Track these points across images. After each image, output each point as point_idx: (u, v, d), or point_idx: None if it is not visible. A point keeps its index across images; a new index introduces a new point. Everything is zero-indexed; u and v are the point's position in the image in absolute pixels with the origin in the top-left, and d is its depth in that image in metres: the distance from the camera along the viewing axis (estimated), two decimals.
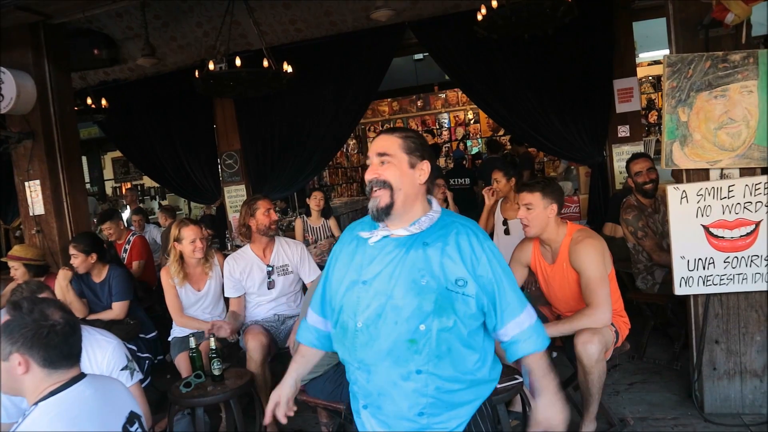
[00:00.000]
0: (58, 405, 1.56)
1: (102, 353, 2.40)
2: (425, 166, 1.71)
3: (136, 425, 1.75)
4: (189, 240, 3.53)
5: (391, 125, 11.35)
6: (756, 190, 2.86)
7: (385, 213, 1.68)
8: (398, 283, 1.64)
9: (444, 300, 1.62)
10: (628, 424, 3.11)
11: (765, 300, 3.01)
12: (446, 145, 10.88)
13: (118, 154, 10.70)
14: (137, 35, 5.63)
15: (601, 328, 2.72)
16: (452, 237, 1.68)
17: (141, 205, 10.43)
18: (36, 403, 1.56)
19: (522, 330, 1.71)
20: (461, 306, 1.64)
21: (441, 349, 1.63)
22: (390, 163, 1.69)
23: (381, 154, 1.71)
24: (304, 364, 2.01)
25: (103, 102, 6.02)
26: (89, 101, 5.94)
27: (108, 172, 12.18)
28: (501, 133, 10.12)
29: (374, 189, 1.69)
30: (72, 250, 3.77)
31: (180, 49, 6.00)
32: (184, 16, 5.56)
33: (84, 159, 10.62)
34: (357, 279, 1.71)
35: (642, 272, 4.00)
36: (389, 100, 10.88)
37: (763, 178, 2.86)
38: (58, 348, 1.59)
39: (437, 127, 11.11)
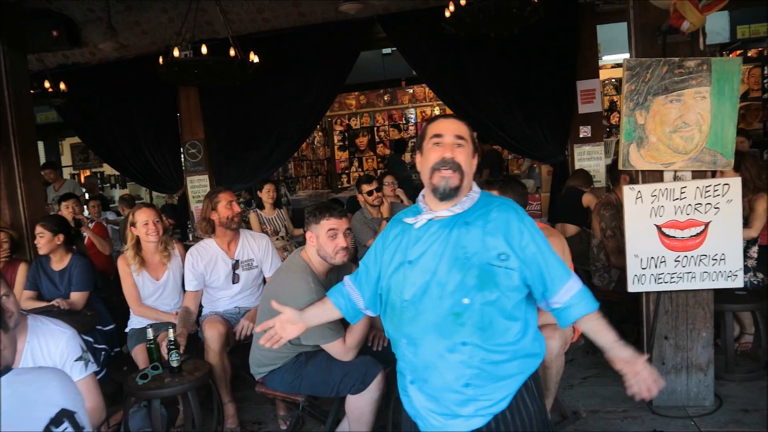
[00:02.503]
0: None
1: (55, 343, 2.34)
2: (477, 156, 1.84)
3: (65, 425, 1.67)
4: (142, 222, 3.48)
5: (358, 119, 11.34)
6: (706, 192, 2.97)
7: (454, 193, 1.75)
8: (442, 261, 1.73)
9: (486, 274, 1.70)
10: (581, 416, 3.20)
11: (711, 298, 3.14)
12: (412, 140, 10.92)
13: (77, 140, 10.36)
14: (99, 18, 5.48)
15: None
16: (493, 214, 1.76)
17: (101, 192, 10.18)
18: None
19: (573, 294, 1.78)
20: (504, 279, 1.71)
21: (484, 321, 1.71)
22: (463, 148, 1.77)
23: (459, 137, 1.77)
24: (319, 314, 2.15)
25: (62, 86, 5.84)
26: (47, 85, 5.75)
27: (66, 159, 11.80)
28: None
29: (443, 169, 1.74)
30: (39, 229, 3.68)
31: (144, 35, 5.87)
32: (149, 1, 5.43)
33: (41, 144, 10.28)
34: (403, 260, 1.80)
35: (599, 270, 4.11)
36: (356, 93, 10.84)
37: (713, 181, 2.97)
38: None
39: (404, 122, 11.14)
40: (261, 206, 5.51)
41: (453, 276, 1.71)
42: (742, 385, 3.40)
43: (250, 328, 3.27)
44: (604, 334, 1.79)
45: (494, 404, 1.75)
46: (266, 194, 5.48)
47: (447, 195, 1.75)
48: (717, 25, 7.70)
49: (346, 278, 2.10)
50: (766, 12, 7.52)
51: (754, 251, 3.65)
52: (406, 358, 1.83)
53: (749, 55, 8.32)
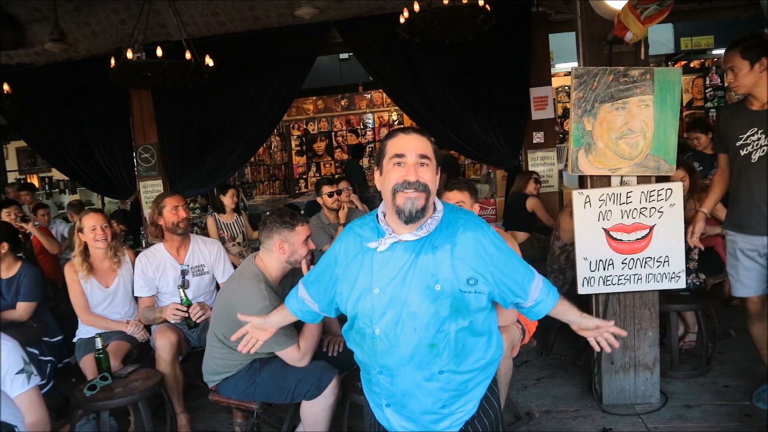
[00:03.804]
0: None
1: None
2: (440, 171, 1.77)
3: None
4: (89, 228, 3.39)
5: (316, 124, 11.31)
6: (650, 196, 3.08)
7: (420, 214, 1.66)
8: (412, 290, 1.68)
9: (459, 302, 1.69)
10: (534, 417, 3.27)
11: (656, 299, 3.25)
12: (370, 145, 10.96)
13: (23, 143, 9.98)
14: (46, 18, 5.30)
15: (508, 327, 2.84)
16: (459, 236, 1.71)
17: (47, 200, 9.82)
18: None
19: (540, 289, 1.84)
20: (475, 303, 1.72)
21: (458, 347, 1.73)
22: (427, 167, 1.68)
23: (423, 156, 1.67)
24: (281, 320, 2.19)
25: (6, 87, 5.61)
26: None
27: (12, 163, 11.32)
28: None
29: (408, 190, 1.64)
30: None
31: (94, 36, 5.71)
32: (99, 1, 5.29)
33: None
34: (369, 286, 1.72)
35: (555, 271, 4.20)
36: (314, 98, 10.83)
37: (656, 186, 3.08)
38: None
39: (361, 127, 11.17)
40: (222, 210, 5.43)
41: (425, 307, 1.67)
42: (686, 382, 3.54)
43: (206, 315, 3.21)
44: (571, 313, 1.92)
45: (466, 414, 1.81)
46: (230, 199, 5.40)
47: (413, 218, 1.65)
48: (662, 37, 8.02)
49: (300, 283, 2.07)
50: (707, 25, 7.88)
51: (695, 253, 3.79)
52: (381, 384, 1.81)
53: (692, 65, 8.68)
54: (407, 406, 1.78)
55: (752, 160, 2.88)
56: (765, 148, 2.83)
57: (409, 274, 1.68)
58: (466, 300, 1.69)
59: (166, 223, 3.45)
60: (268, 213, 3.00)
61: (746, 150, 2.90)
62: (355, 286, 1.76)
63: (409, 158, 1.66)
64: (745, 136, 2.89)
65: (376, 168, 1.79)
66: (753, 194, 2.90)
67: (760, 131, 2.84)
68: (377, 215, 1.80)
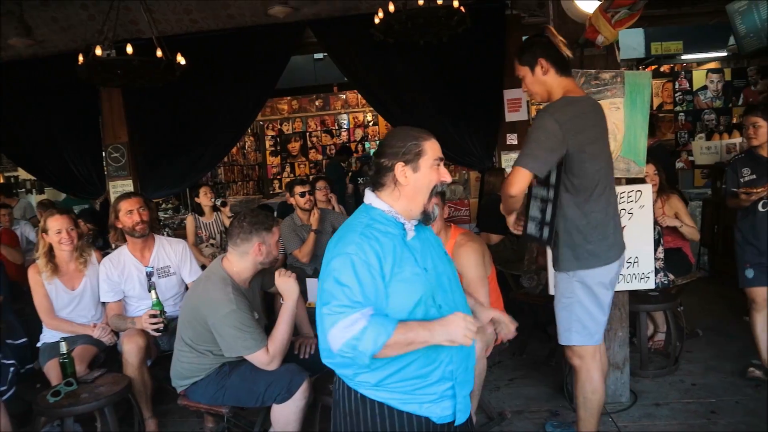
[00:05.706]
0: None
1: None
2: None
3: None
4: (54, 231, 3.30)
5: (290, 124, 11.23)
6: (620, 198, 3.10)
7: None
8: (437, 259, 1.90)
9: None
10: (506, 417, 3.28)
11: (626, 299, 3.29)
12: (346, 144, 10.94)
13: None
14: (10, 12, 5.15)
15: (482, 327, 2.83)
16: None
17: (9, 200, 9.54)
18: None
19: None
20: None
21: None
22: None
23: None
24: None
25: None
26: None
27: None
28: None
29: (437, 195, 1.85)
30: None
31: (62, 31, 5.58)
32: None
33: None
34: (418, 271, 1.80)
35: (530, 272, 4.21)
36: (288, 98, 10.75)
37: (627, 188, 3.12)
38: None
39: (336, 127, 11.12)
40: (200, 212, 5.32)
41: (450, 268, 1.95)
42: (655, 381, 3.60)
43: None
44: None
45: (470, 383, 1.93)
46: (204, 197, 5.27)
47: (433, 219, 1.86)
48: (633, 41, 8.14)
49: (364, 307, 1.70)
50: (677, 31, 8.05)
51: (660, 252, 3.82)
52: (454, 357, 1.81)
53: (662, 70, 8.84)
54: (468, 366, 1.90)
55: None
56: None
57: (431, 250, 1.90)
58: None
59: (123, 226, 3.39)
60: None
61: None
62: (405, 278, 1.76)
63: (442, 163, 1.88)
64: None
65: (403, 164, 1.79)
66: None
67: None
68: (384, 211, 1.81)
